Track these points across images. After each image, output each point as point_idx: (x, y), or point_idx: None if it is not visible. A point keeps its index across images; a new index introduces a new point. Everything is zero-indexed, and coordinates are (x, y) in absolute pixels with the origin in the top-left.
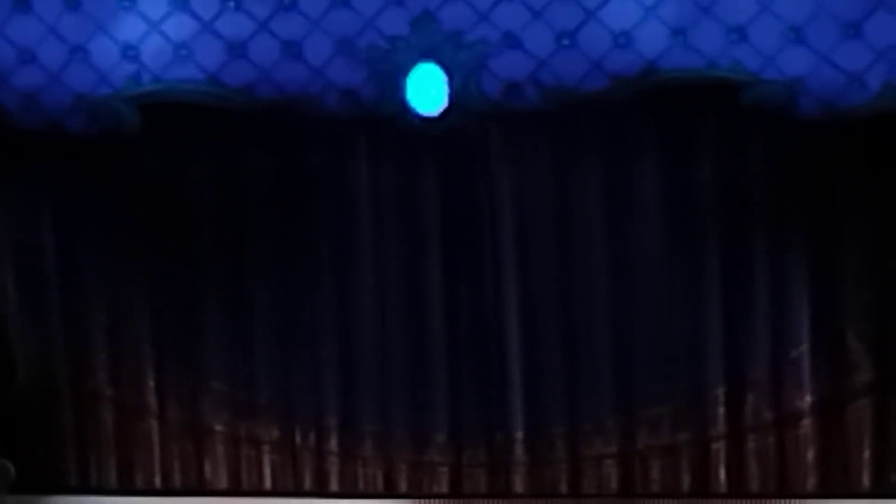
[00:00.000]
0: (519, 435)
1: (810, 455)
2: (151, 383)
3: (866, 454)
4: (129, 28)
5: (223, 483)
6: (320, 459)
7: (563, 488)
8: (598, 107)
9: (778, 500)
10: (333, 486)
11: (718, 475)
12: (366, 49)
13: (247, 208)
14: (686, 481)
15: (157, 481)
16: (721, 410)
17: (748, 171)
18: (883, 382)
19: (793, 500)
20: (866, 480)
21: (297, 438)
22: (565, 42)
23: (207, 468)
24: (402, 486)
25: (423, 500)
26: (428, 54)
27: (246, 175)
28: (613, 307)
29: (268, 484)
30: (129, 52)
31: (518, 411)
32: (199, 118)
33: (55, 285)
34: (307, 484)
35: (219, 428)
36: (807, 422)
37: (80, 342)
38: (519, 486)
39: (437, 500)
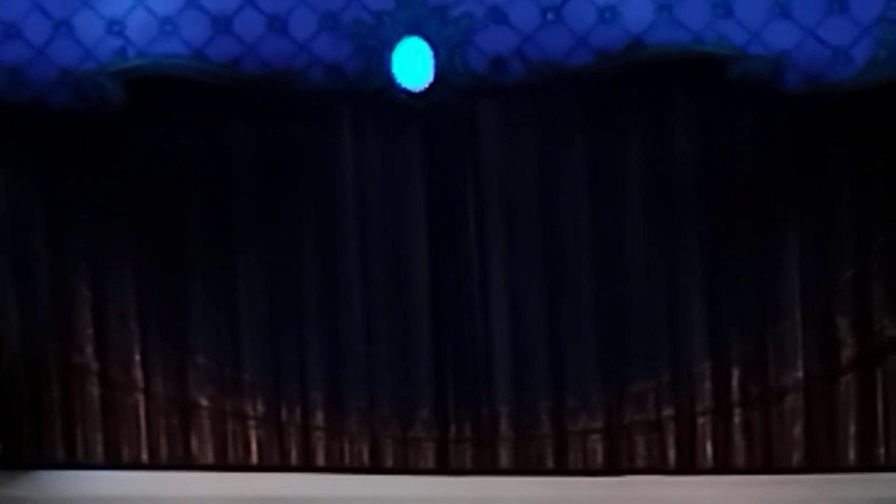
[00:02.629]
0: (504, 410)
1: (796, 430)
2: (138, 358)
3: (852, 429)
4: (115, 3)
5: (209, 458)
6: (306, 435)
7: (549, 463)
8: (583, 81)
9: (764, 475)
10: (320, 461)
11: (704, 450)
12: (351, 24)
13: (232, 183)
14: (672, 456)
15: (144, 456)
16: (707, 385)
17: (733, 146)
18: (868, 357)
19: (779, 475)
20: (852, 455)
21: (283, 414)
22: (550, 17)
23: (194, 443)
24: (388, 462)
25: (409, 475)
26: (413, 29)
27: (231, 149)
28: (599, 282)
29: (254, 459)
30: (115, 26)
31: (503, 387)
32: (184, 93)
33: (41, 260)
34: (293, 459)
35: (205, 403)
36: (793, 397)
37: (67, 317)
38: (505, 461)
39: (422, 475)
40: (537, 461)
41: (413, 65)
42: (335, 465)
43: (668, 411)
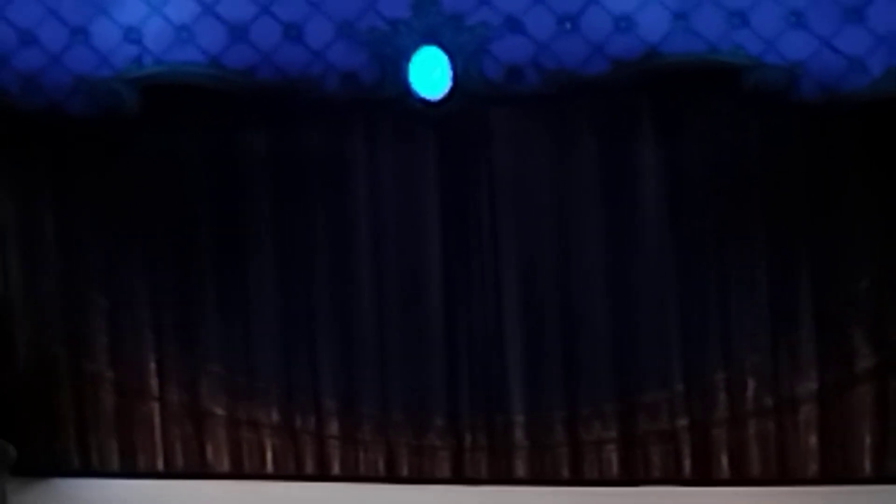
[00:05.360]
0: (519, 419)
1: (811, 440)
2: (152, 366)
3: (867, 440)
4: (131, 10)
5: (225, 466)
6: (321, 443)
7: (564, 473)
8: (599, 90)
9: (779, 486)
10: (335, 469)
11: (719, 461)
12: (367, 32)
13: (246, 190)
14: (687, 466)
15: (159, 464)
16: (721, 396)
17: (748, 155)
18: (883, 368)
19: (793, 486)
20: (867, 466)
21: (298, 422)
22: (567, 26)
23: (209, 451)
24: (404, 471)
25: (423, 484)
26: (429, 37)
27: (246, 157)
28: (613, 291)
29: (269, 467)
30: (131, 34)
31: (518, 395)
32: (199, 100)
33: (55, 267)
34: (308, 467)
35: (220, 411)
36: (808, 407)
37: (81, 325)
38: (520, 470)
39: (437, 484)
40: (552, 471)
41: (429, 73)
42: (350, 474)
43: (682, 421)
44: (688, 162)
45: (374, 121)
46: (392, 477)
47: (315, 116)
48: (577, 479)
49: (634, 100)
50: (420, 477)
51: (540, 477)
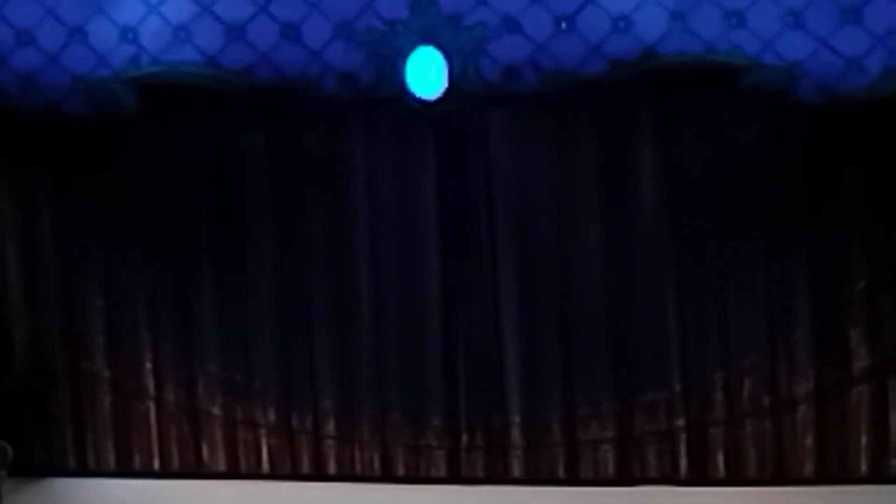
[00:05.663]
0: (516, 419)
1: (808, 441)
2: (149, 366)
3: (864, 440)
4: (128, 10)
5: (221, 466)
6: (317, 443)
7: (561, 473)
8: (596, 90)
9: (775, 486)
10: (331, 469)
11: (716, 461)
12: (364, 32)
13: (244, 190)
14: (683, 466)
15: (155, 464)
16: (718, 396)
17: (746, 155)
18: (880, 368)
19: (790, 486)
20: (864, 466)
21: (295, 422)
22: (564, 26)
23: (205, 451)
24: (400, 470)
25: (420, 484)
26: (427, 37)
27: (243, 157)
28: (611, 290)
29: (265, 467)
30: (128, 33)
31: (515, 395)
32: (197, 100)
33: (53, 267)
34: (304, 467)
35: (216, 411)
36: (804, 407)
37: (78, 325)
38: (516, 470)
39: (434, 484)
40: (549, 470)
41: (426, 73)
42: (346, 474)
43: (679, 421)
44: (686, 162)
45: (373, 121)
46: (388, 477)
47: (313, 116)
48: (574, 479)
49: (632, 100)
50: (416, 477)
51: (536, 477)
